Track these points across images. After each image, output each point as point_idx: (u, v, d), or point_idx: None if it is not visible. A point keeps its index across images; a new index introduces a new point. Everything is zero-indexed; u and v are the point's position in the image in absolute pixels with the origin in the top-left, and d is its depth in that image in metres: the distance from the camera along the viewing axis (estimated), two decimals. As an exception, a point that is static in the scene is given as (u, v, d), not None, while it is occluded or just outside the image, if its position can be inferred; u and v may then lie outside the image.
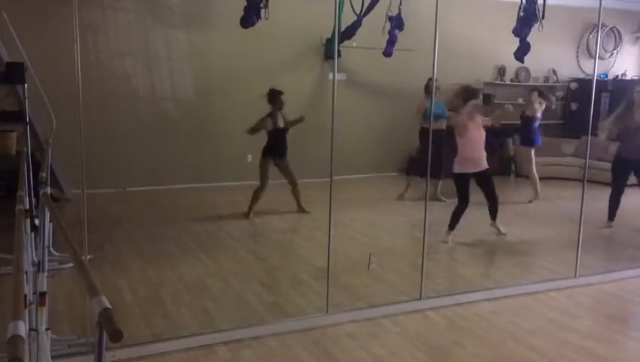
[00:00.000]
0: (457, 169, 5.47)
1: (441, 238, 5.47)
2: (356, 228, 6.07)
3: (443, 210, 6.64)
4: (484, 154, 5.52)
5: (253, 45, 7.06)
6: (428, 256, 4.18)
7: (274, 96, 6.29)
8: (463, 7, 7.91)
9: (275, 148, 6.36)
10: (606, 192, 6.30)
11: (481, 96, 5.57)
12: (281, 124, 6.32)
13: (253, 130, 6.26)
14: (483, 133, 5.49)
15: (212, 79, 7.70)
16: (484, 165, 5.50)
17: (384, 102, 8.53)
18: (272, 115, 6.29)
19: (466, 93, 5.57)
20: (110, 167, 6.65)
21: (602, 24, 5.09)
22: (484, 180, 5.55)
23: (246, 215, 6.29)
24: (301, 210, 6.57)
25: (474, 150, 5.45)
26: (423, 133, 6.90)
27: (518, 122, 7.74)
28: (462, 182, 5.48)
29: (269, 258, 5.09)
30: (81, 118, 3.24)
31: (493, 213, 5.67)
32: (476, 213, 5.59)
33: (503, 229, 5.73)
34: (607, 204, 6.17)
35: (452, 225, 5.49)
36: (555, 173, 8.27)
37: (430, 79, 6.74)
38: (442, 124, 6.70)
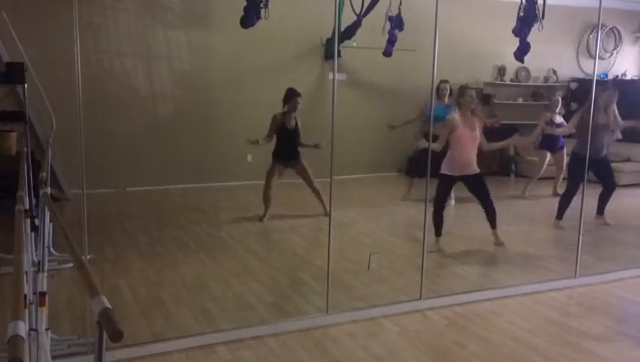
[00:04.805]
0: (443, 169, 5.21)
1: (430, 248, 5.04)
2: (356, 228, 6.07)
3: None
4: (474, 157, 5.21)
5: (253, 45, 7.06)
6: (427, 255, 4.18)
7: (290, 97, 6.01)
8: (463, 7, 7.91)
9: (285, 151, 6.04)
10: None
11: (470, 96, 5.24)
12: (291, 126, 6.03)
13: (269, 135, 5.94)
14: (476, 136, 5.15)
15: (212, 79, 7.70)
16: (473, 169, 5.21)
17: (384, 102, 8.52)
18: (285, 115, 6.02)
19: (460, 94, 5.34)
20: (110, 167, 6.65)
21: (602, 24, 5.08)
22: (474, 185, 5.27)
23: (260, 218, 6.08)
24: (325, 212, 6.05)
25: (461, 152, 5.18)
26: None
27: (519, 122, 7.71)
28: (442, 184, 5.23)
29: (269, 258, 5.09)
30: (81, 118, 3.24)
31: (491, 221, 5.31)
32: (475, 213, 5.57)
33: (501, 240, 5.36)
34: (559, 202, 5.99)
35: (437, 231, 5.26)
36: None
37: (442, 81, 6.73)
38: None
